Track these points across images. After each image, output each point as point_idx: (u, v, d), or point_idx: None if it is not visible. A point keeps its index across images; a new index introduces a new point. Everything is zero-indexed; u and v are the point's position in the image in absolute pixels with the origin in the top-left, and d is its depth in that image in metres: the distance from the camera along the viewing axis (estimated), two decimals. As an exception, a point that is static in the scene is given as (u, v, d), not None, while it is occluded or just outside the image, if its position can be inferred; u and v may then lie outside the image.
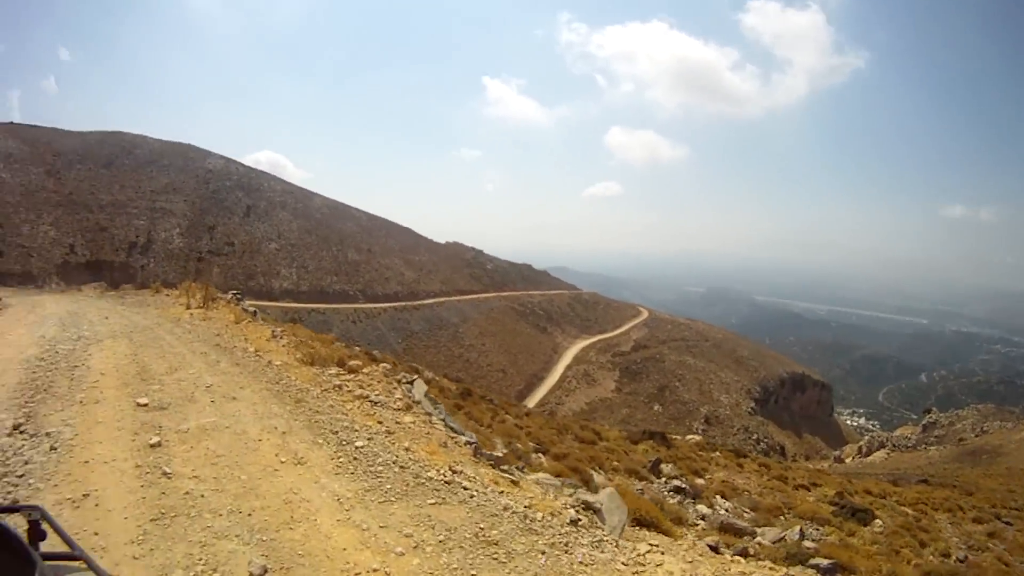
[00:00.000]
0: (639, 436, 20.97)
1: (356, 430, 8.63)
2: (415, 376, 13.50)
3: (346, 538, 5.73)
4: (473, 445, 9.40)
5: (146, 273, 40.71)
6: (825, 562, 8.57)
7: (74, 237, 41.46)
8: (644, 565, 6.26)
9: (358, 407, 9.90)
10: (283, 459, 7.30)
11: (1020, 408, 63.85)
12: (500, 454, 9.42)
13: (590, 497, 7.46)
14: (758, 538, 10.08)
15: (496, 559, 5.81)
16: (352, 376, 11.69)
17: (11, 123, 52.47)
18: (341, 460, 7.52)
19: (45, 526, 1.40)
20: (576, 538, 6.48)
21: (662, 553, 6.76)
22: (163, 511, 5.66)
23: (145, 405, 8.53)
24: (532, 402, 54.03)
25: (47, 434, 7.17)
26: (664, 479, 14.42)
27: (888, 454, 51.19)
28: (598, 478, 11.50)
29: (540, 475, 9.08)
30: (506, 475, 8.28)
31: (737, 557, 7.52)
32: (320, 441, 8.02)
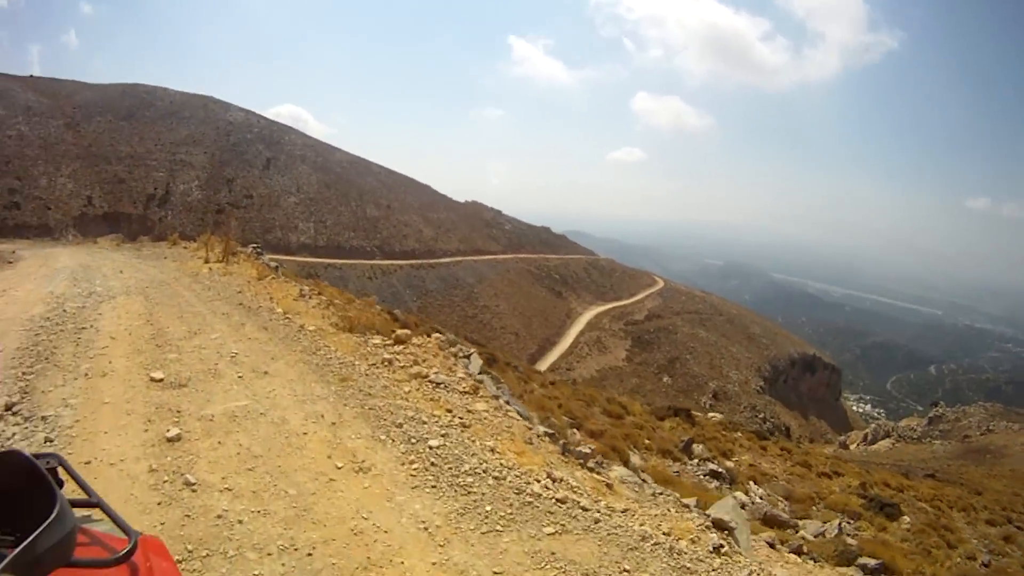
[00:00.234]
0: (664, 412, 20.89)
1: (424, 422, 7.18)
2: (472, 349, 12.31)
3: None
4: (558, 440, 8.33)
5: (164, 225, 40.72)
6: (872, 562, 8.57)
7: (92, 189, 41.48)
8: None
9: (418, 389, 8.47)
10: (339, 463, 5.88)
11: (1029, 409, 63.30)
12: (587, 450, 8.27)
13: (724, 515, 6.52)
14: (800, 532, 9.95)
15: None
16: (401, 348, 10.39)
17: (31, 76, 52.21)
18: (415, 466, 6.05)
19: (63, 474, 1.42)
20: (730, 572, 5.39)
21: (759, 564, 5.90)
22: (189, 547, 4.36)
23: (160, 380, 7.45)
24: (543, 366, 54.24)
25: (43, 418, 6.14)
26: (696, 460, 14.21)
27: (893, 444, 51.19)
28: (635, 459, 11.33)
29: (622, 471, 8.36)
30: (600, 477, 7.36)
31: (793, 555, 7.53)
32: (382, 437, 6.64)
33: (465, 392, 8.81)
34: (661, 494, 7.63)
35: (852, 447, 54.46)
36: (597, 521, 5.68)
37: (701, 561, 5.38)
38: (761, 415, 61.20)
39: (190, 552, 4.33)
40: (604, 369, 60.81)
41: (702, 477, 12.79)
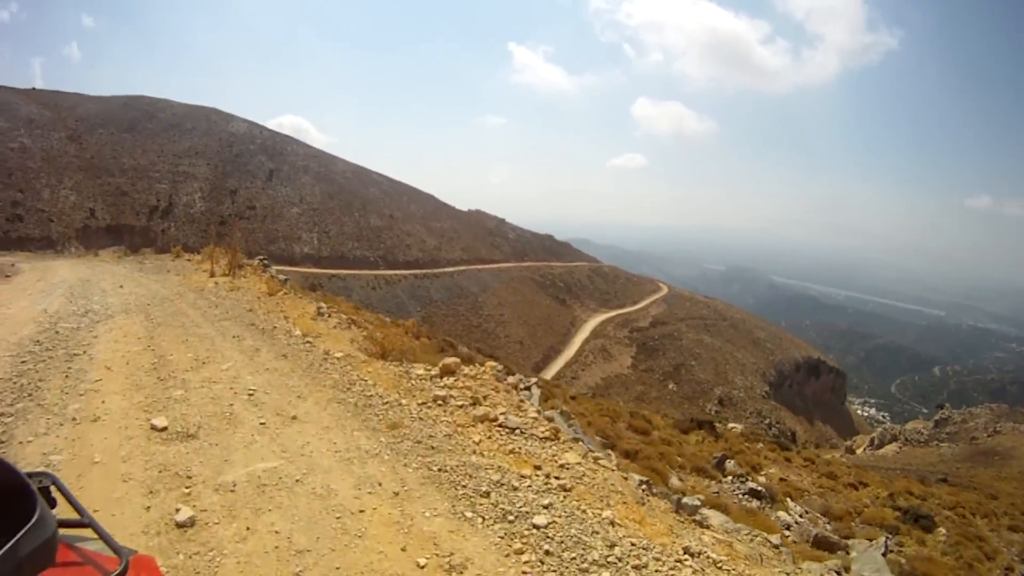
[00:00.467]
0: (687, 425, 20.42)
1: (515, 487, 5.73)
2: (532, 379, 11.02)
3: None
4: (652, 489, 7.32)
5: (167, 237, 40.85)
6: None
7: (95, 201, 41.54)
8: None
9: (489, 437, 7.02)
10: (420, 557, 4.50)
11: (1032, 410, 63.00)
12: (696, 502, 7.17)
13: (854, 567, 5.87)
14: (852, 553, 9.66)
15: None
16: (452, 380, 8.91)
17: (33, 89, 52.39)
18: (525, 557, 4.67)
19: (55, 494, 1.41)
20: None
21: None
22: None
23: (164, 430, 6.12)
24: (549, 375, 54.12)
25: None
26: (730, 477, 13.61)
27: (900, 448, 50.99)
28: (674, 480, 10.91)
29: (719, 518, 7.42)
30: (720, 536, 6.35)
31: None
32: (467, 513, 5.16)
33: (546, 438, 7.35)
34: (749, 534, 6.96)
35: (859, 451, 54.21)
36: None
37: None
38: (767, 420, 60.97)
39: None
40: (609, 377, 60.65)
41: (742, 497, 12.19)
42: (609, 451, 9.93)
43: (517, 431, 7.31)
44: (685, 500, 7.07)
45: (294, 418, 6.96)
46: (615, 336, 69.01)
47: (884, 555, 9.02)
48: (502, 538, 4.86)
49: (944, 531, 14.48)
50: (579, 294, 77.70)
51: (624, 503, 6.01)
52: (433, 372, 9.28)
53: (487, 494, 5.54)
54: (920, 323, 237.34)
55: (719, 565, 5.22)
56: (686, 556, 5.19)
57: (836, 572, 6.61)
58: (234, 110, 63.65)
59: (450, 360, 9.64)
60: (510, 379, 9.92)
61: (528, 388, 9.91)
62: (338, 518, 4.87)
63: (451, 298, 59.53)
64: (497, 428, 7.33)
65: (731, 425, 26.50)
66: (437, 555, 4.53)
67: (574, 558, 4.72)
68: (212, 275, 17.18)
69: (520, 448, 6.86)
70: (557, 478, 6.17)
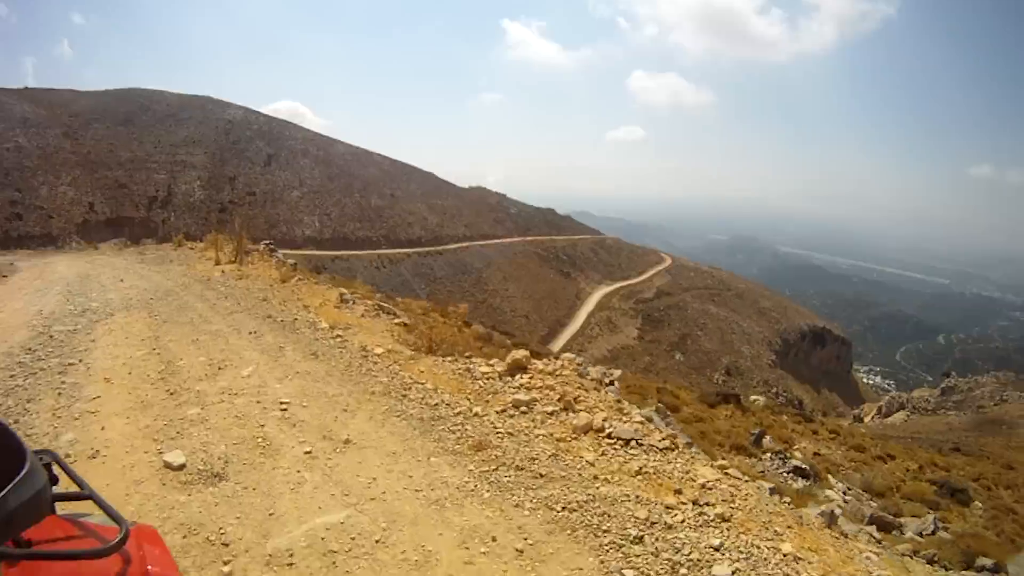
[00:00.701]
0: (714, 399, 19.91)
1: (667, 524, 4.70)
2: (614, 372, 9.41)
3: None
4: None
5: (167, 227, 40.67)
6: (988, 562, 7.94)
7: (93, 195, 41.29)
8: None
9: (602, 453, 5.88)
10: None
11: (1038, 377, 62.81)
12: (836, 510, 6.46)
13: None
14: (908, 533, 9.08)
15: None
16: (527, 379, 7.63)
17: (26, 88, 51.84)
18: None
19: (57, 470, 1.43)
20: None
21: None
22: None
23: (181, 468, 4.95)
24: (555, 348, 54.16)
25: None
26: (768, 455, 12.78)
27: (908, 416, 50.93)
28: (719, 463, 10.31)
29: (854, 527, 6.82)
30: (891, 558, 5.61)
31: (928, 565, 6.71)
32: (627, 571, 4.09)
33: (666, 448, 6.19)
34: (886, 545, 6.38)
35: (867, 420, 54.25)
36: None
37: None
38: (774, 389, 61.10)
39: None
40: (616, 348, 60.62)
41: (787, 475, 11.49)
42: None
43: (632, 443, 6.11)
44: (826, 509, 6.37)
45: (347, 442, 5.64)
46: (620, 308, 68.83)
47: (933, 533, 8.78)
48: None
49: (980, 505, 14.22)
50: (583, 267, 77.37)
51: (789, 526, 5.20)
52: (499, 368, 7.98)
53: (639, 539, 4.42)
54: (925, 291, 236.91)
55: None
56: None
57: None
58: (230, 98, 63.40)
59: (519, 353, 8.25)
60: (592, 372, 8.47)
61: (612, 383, 8.40)
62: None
63: (455, 275, 59.38)
64: (607, 441, 6.14)
65: (753, 397, 25.79)
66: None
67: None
68: (217, 263, 16.33)
69: (646, 466, 5.68)
70: (708, 504, 5.15)
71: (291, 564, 3.85)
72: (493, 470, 5.32)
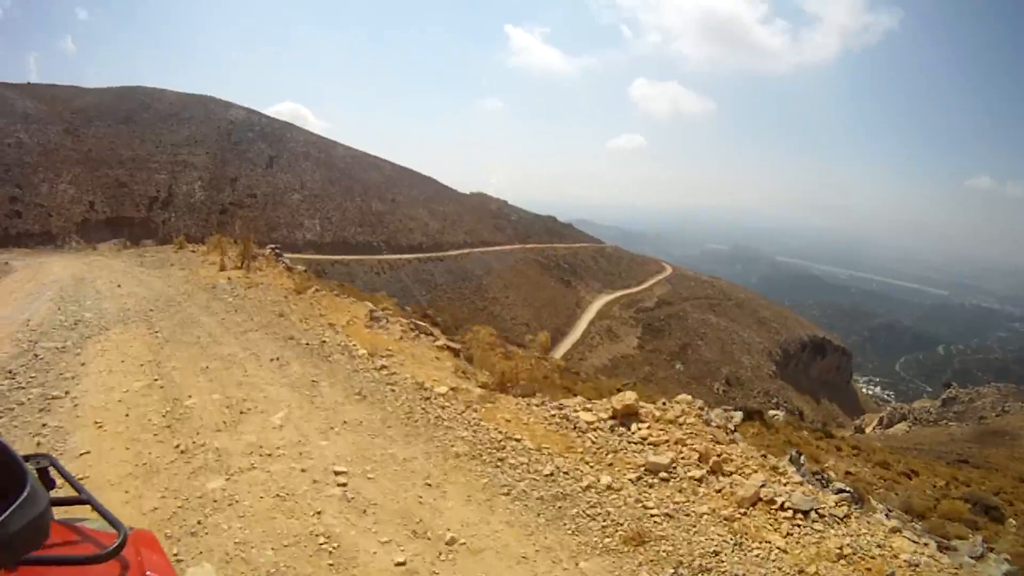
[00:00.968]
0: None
1: None
2: (733, 414, 8.66)
3: None
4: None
5: (168, 227, 40.33)
6: None
7: (94, 194, 40.86)
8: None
9: (795, 540, 4.79)
10: None
11: (1037, 388, 62.80)
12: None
13: None
14: (964, 557, 8.77)
15: None
16: (643, 429, 6.33)
17: (28, 83, 51.38)
18: None
19: (54, 474, 1.42)
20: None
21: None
22: None
23: None
24: (556, 356, 53.92)
25: None
26: (808, 476, 12.29)
27: (910, 427, 50.87)
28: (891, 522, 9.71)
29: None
30: None
31: None
32: None
33: (846, 516, 5.26)
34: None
35: (868, 431, 54.12)
36: None
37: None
38: (774, 400, 60.85)
39: None
40: (616, 358, 60.37)
41: (835, 500, 11.11)
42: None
43: (812, 514, 5.02)
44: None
45: (452, 542, 4.17)
46: (621, 317, 68.62)
47: (982, 556, 8.34)
48: None
49: (1013, 522, 13.79)
50: (583, 275, 77.15)
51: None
52: (603, 414, 6.62)
53: None
54: (924, 302, 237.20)
55: None
56: None
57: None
58: (231, 98, 63.41)
59: (628, 396, 6.79)
60: (715, 417, 6.99)
61: (735, 430, 7.16)
62: None
63: (455, 281, 59.09)
64: (783, 514, 5.03)
65: (772, 413, 25.01)
66: None
67: None
68: (222, 268, 15.33)
69: (843, 545, 4.65)
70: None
71: None
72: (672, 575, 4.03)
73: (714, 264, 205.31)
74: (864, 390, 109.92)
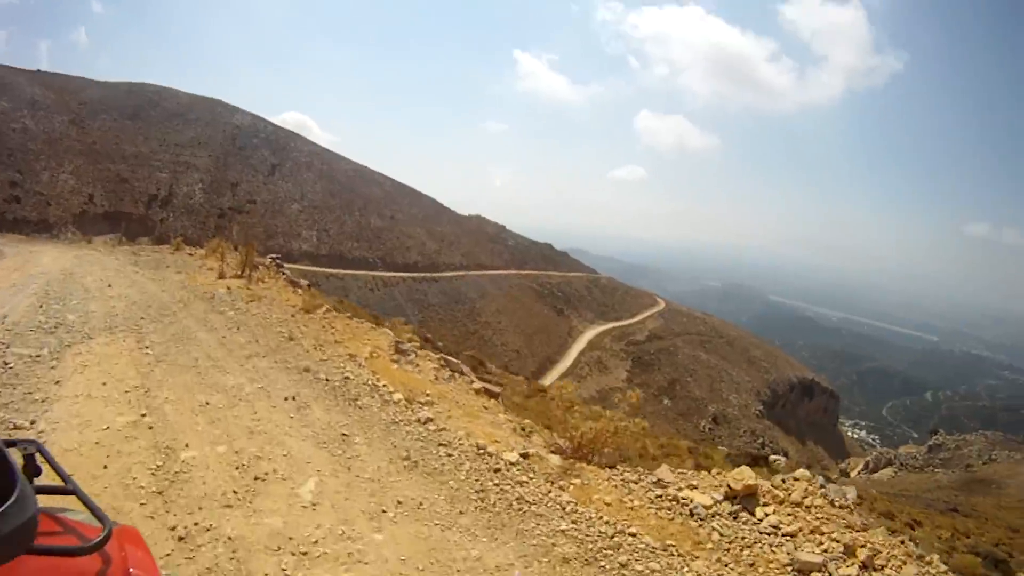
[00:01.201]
0: (742, 459, 19.13)
1: None
2: (846, 490, 6.50)
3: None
4: None
5: (165, 226, 40.32)
6: None
7: (94, 187, 40.76)
8: None
9: None
10: None
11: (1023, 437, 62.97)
12: None
13: None
14: None
15: None
16: (772, 514, 5.50)
17: (38, 70, 51.52)
18: None
19: (40, 461, 1.39)
20: None
21: None
22: None
23: None
24: (545, 384, 53.77)
25: None
26: None
27: (895, 472, 50.79)
28: None
29: None
30: None
31: None
32: None
33: None
34: None
35: (853, 474, 53.96)
36: None
37: None
38: (760, 440, 60.77)
39: None
40: (604, 390, 60.12)
41: None
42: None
43: None
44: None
45: None
46: (611, 348, 68.56)
47: None
48: None
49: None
50: (576, 305, 77.23)
51: None
52: (715, 495, 5.75)
53: None
54: (914, 347, 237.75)
55: None
56: None
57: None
58: (239, 103, 63.76)
59: (746, 474, 5.88)
60: (832, 492, 6.08)
61: (846, 504, 6.07)
62: None
63: (449, 303, 59.03)
64: None
65: (773, 457, 24.54)
66: None
67: None
68: (221, 276, 14.38)
69: None
70: None
71: None
72: None
73: (707, 300, 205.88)
74: (850, 433, 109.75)
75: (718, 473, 6.31)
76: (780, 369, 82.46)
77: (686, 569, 4.63)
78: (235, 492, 4.74)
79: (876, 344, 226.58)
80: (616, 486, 5.87)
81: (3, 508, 1.04)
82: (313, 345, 9.25)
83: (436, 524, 4.77)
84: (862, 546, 5.12)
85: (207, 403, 6.43)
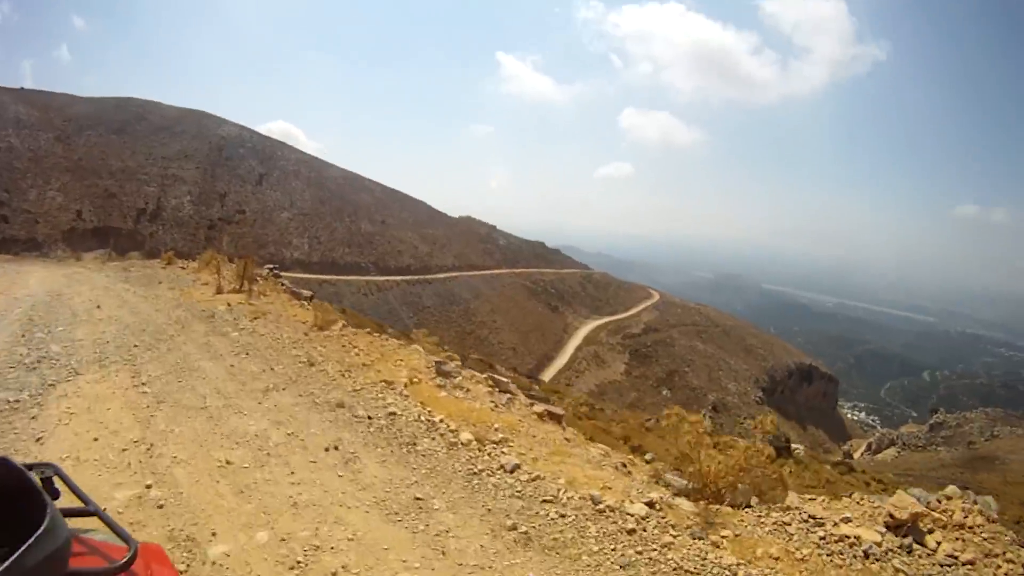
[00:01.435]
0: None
1: None
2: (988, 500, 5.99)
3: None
4: None
5: (155, 240, 40.01)
6: None
7: (82, 203, 40.51)
8: None
9: None
10: None
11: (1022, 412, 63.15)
12: None
13: None
14: None
15: None
16: (946, 543, 4.92)
17: (21, 88, 51.29)
18: None
19: (59, 484, 1.37)
20: None
21: None
22: None
23: None
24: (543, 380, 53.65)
25: None
26: None
27: (898, 452, 50.86)
28: None
29: None
30: None
31: None
32: None
33: None
34: None
35: (856, 456, 53.99)
36: None
37: None
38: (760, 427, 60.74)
39: None
40: (603, 383, 60.16)
41: None
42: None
43: None
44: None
45: None
46: (608, 343, 68.52)
47: None
48: None
49: None
50: (571, 301, 77.19)
51: None
52: (877, 527, 5.09)
53: None
54: (910, 329, 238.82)
55: None
56: None
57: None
58: (225, 114, 63.06)
59: (906, 501, 5.20)
60: (984, 507, 5.54)
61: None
62: None
63: (443, 305, 58.90)
64: None
65: (794, 446, 23.76)
66: None
67: None
68: (219, 291, 13.52)
69: None
70: None
71: None
72: None
73: (701, 292, 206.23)
74: (850, 415, 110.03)
75: (861, 499, 5.70)
76: (777, 356, 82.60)
77: None
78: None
79: (872, 327, 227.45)
80: (770, 531, 5.01)
81: (38, 535, 1.03)
82: (339, 371, 8.08)
83: None
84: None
85: (228, 462, 5.18)
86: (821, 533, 5.03)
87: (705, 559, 4.50)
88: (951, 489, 5.87)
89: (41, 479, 1.30)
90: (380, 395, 7.22)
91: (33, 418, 5.69)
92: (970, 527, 5.15)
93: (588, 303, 79.62)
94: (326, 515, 4.49)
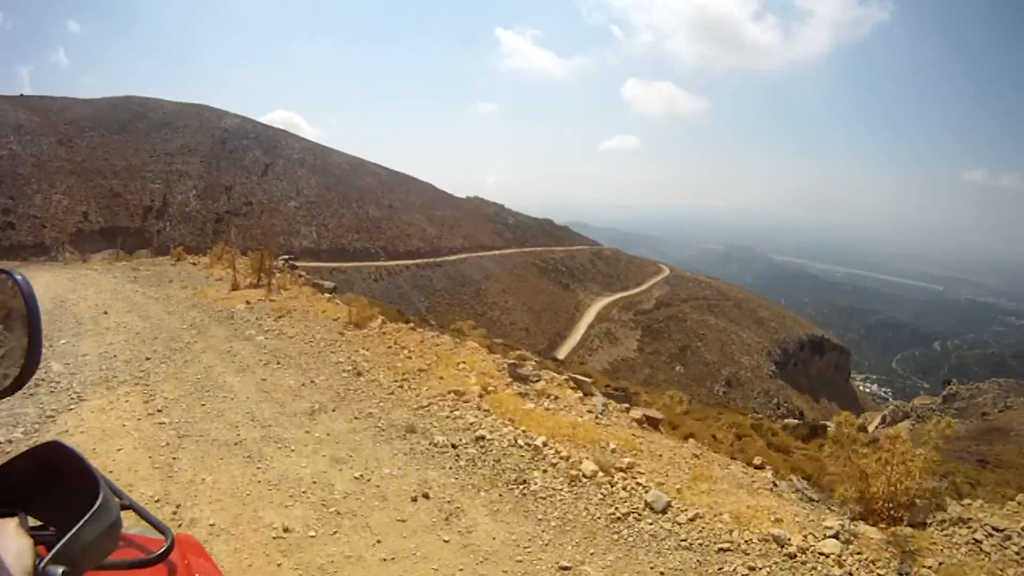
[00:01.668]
0: (802, 431, 16.88)
1: None
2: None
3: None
4: None
5: (162, 237, 40.02)
6: None
7: (87, 205, 40.59)
8: None
9: None
10: None
11: (1036, 382, 62.52)
12: None
13: None
14: None
15: None
16: None
17: (21, 95, 50.96)
18: None
19: None
20: None
21: None
22: None
23: None
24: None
25: None
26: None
27: (913, 425, 50.56)
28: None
29: None
30: None
31: None
32: None
33: None
34: None
35: (870, 429, 53.89)
36: None
37: None
38: (774, 400, 60.81)
39: None
40: (616, 361, 60.16)
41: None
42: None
43: None
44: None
45: None
46: (620, 319, 68.41)
47: None
48: None
49: None
50: (581, 278, 76.94)
51: None
52: None
53: None
54: (920, 298, 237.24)
55: None
56: None
57: None
58: (226, 106, 62.78)
59: None
60: None
61: None
62: None
63: (454, 287, 58.85)
64: None
65: (828, 424, 23.37)
66: None
67: None
68: (235, 287, 12.59)
69: None
70: None
71: None
72: None
73: (710, 264, 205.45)
74: (861, 387, 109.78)
75: (1020, 503, 5.12)
76: (789, 328, 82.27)
77: None
78: None
79: (882, 297, 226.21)
80: (969, 554, 4.23)
81: (94, 509, 1.02)
82: (393, 381, 6.80)
83: None
84: None
85: (285, 529, 3.83)
86: (1015, 548, 4.53)
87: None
88: None
89: None
90: (455, 412, 5.98)
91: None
92: None
93: (599, 280, 79.35)
94: None
